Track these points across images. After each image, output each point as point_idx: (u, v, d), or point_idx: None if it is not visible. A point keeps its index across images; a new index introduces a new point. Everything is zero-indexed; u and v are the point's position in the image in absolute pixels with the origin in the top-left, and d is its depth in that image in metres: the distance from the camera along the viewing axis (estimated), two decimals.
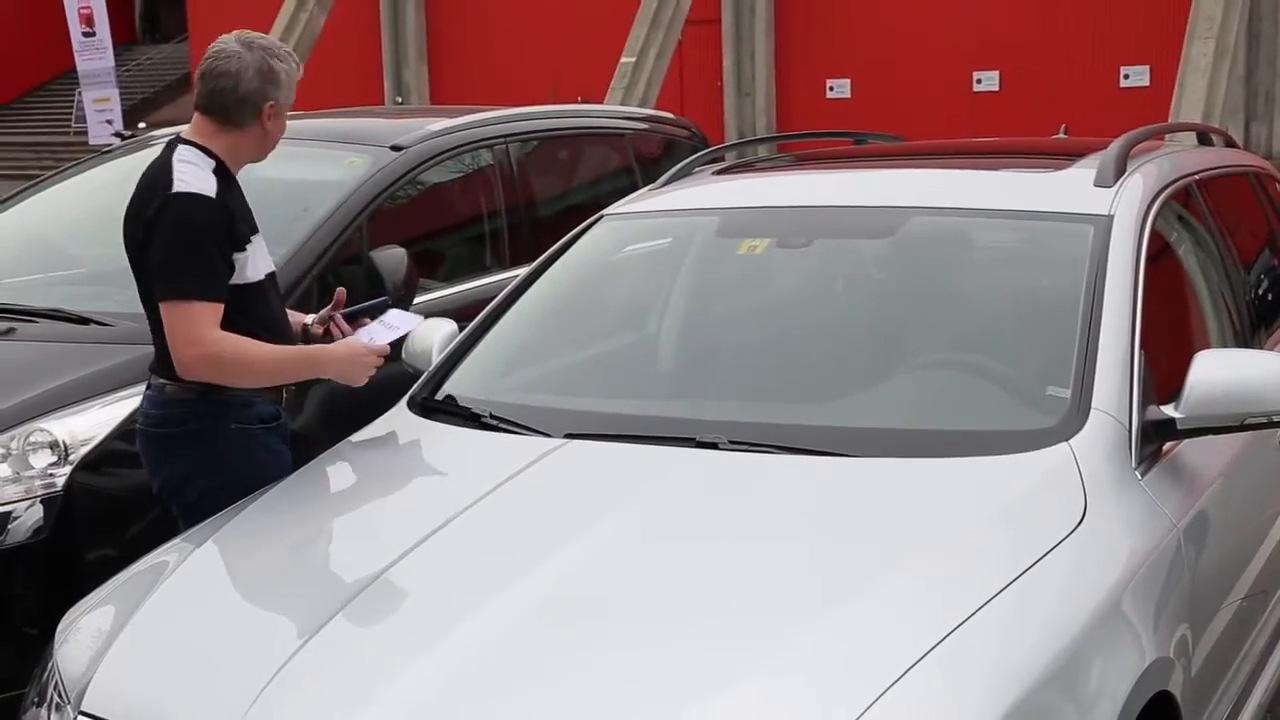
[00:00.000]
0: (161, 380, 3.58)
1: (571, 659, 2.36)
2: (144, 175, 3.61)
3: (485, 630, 2.42)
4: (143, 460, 3.71)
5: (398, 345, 3.80)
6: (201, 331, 3.42)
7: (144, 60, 34.02)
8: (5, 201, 5.85)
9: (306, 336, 3.79)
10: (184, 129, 3.69)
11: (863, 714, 2.16)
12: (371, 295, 4.09)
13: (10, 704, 3.01)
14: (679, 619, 2.44)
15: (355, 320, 3.84)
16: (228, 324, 3.48)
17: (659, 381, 3.65)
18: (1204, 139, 4.81)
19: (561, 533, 2.75)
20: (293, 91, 3.65)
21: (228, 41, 3.58)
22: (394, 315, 3.85)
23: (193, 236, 3.45)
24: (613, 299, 4.03)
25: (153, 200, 3.48)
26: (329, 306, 3.89)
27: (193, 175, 3.49)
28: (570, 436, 3.13)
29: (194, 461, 3.56)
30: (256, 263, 3.61)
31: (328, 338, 3.81)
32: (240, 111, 3.54)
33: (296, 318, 3.87)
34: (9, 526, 4.00)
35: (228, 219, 3.52)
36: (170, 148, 3.59)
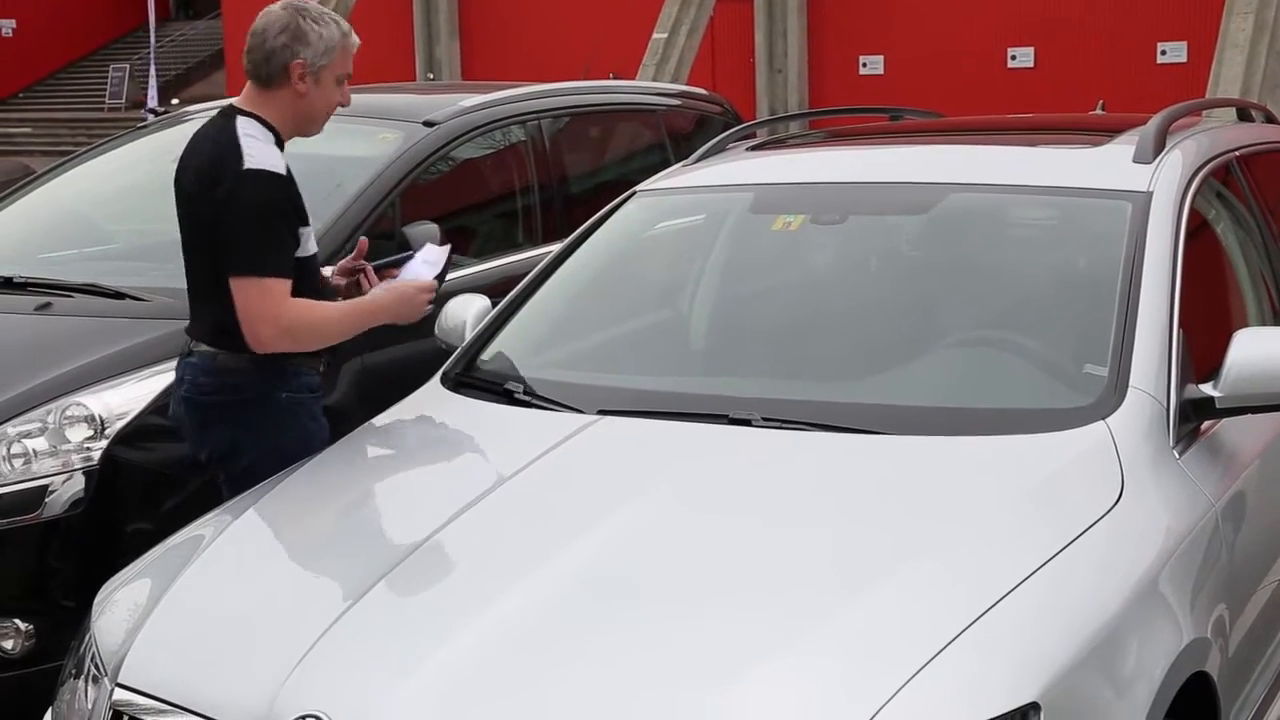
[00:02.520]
0: (212, 349, 3.60)
1: (604, 634, 2.36)
2: (204, 145, 3.61)
3: (519, 606, 2.42)
4: (186, 428, 3.73)
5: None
6: (277, 307, 3.47)
7: (178, 36, 34.15)
8: (41, 177, 5.88)
9: (327, 291, 3.81)
10: (236, 99, 3.71)
11: (896, 693, 2.16)
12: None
13: (49, 675, 3.04)
14: (712, 595, 2.44)
15: (384, 272, 3.85)
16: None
17: (692, 358, 3.65)
18: (1244, 115, 4.76)
19: (594, 509, 2.75)
20: (336, 58, 3.61)
21: (272, 6, 3.61)
22: (427, 251, 3.86)
23: (266, 214, 3.48)
24: (645, 275, 4.02)
25: (223, 176, 3.49)
26: (349, 256, 3.90)
27: (260, 151, 3.52)
28: (603, 413, 3.12)
29: (246, 429, 3.58)
30: (309, 236, 3.66)
31: (355, 290, 3.82)
32: (269, 68, 3.56)
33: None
34: (46, 500, 4.03)
35: (295, 195, 3.57)
36: (227, 117, 3.60)
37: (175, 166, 3.74)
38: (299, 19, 3.55)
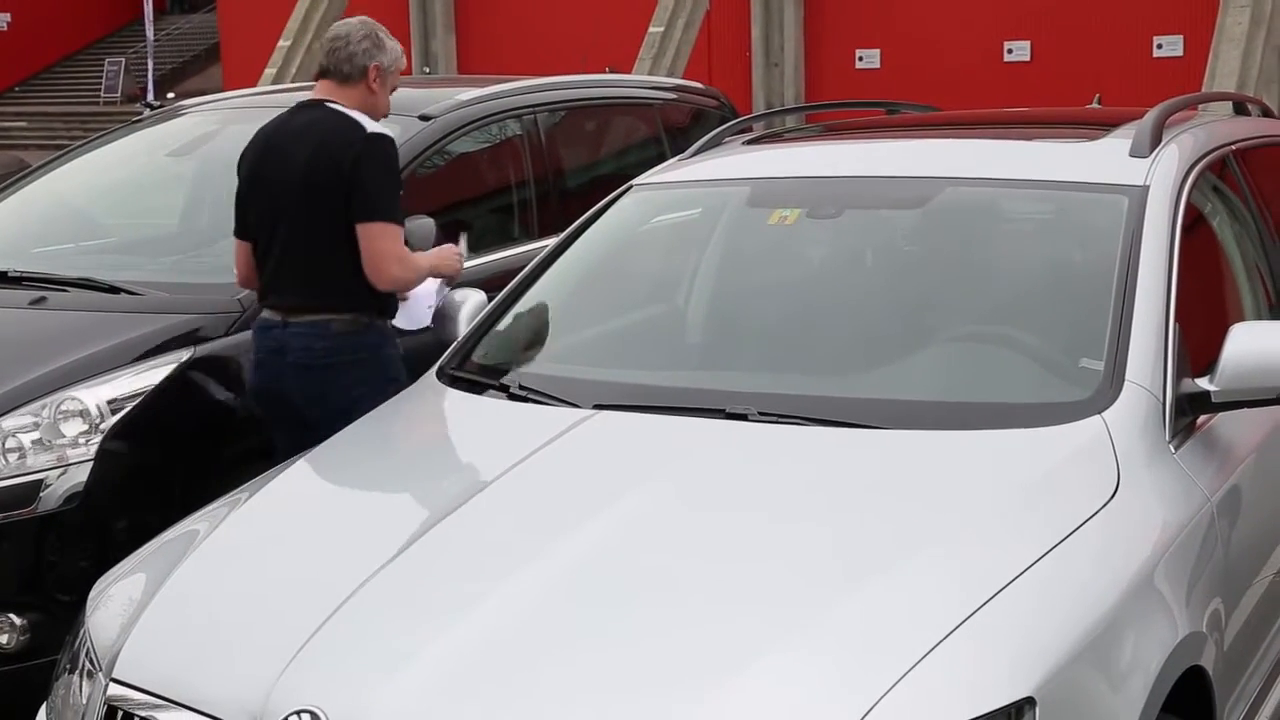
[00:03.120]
0: (325, 316, 4.02)
1: (600, 629, 2.36)
2: (311, 128, 4.10)
3: (514, 601, 2.42)
4: (293, 392, 3.99)
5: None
6: (402, 249, 4.07)
7: (173, 30, 34.08)
8: (36, 171, 5.87)
9: None
10: (312, 94, 4.23)
11: (892, 687, 2.15)
12: None
13: (44, 670, 3.03)
14: (708, 590, 2.43)
15: None
16: None
17: (688, 352, 3.64)
18: (1240, 109, 4.76)
19: (590, 503, 2.75)
20: (398, 72, 4.28)
21: (349, 19, 4.28)
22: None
23: (392, 168, 4.11)
24: (642, 270, 4.02)
25: (351, 141, 4.03)
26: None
27: (368, 121, 4.11)
28: (599, 407, 3.12)
29: (363, 385, 3.92)
30: None
31: None
32: (350, 66, 4.15)
33: None
34: (41, 494, 4.03)
35: None
36: (315, 106, 4.16)
37: (251, 156, 4.22)
38: (377, 31, 4.23)
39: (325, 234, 4.02)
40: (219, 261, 5.04)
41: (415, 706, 2.24)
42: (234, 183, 4.67)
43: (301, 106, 4.21)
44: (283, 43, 20.16)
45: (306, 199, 4.02)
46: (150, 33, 28.26)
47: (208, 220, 5.52)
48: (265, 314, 4.16)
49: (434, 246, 4.32)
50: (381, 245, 3.99)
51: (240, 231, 4.30)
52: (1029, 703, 2.18)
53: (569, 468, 2.96)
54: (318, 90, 4.21)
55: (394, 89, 4.29)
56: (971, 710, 2.14)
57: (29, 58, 33.24)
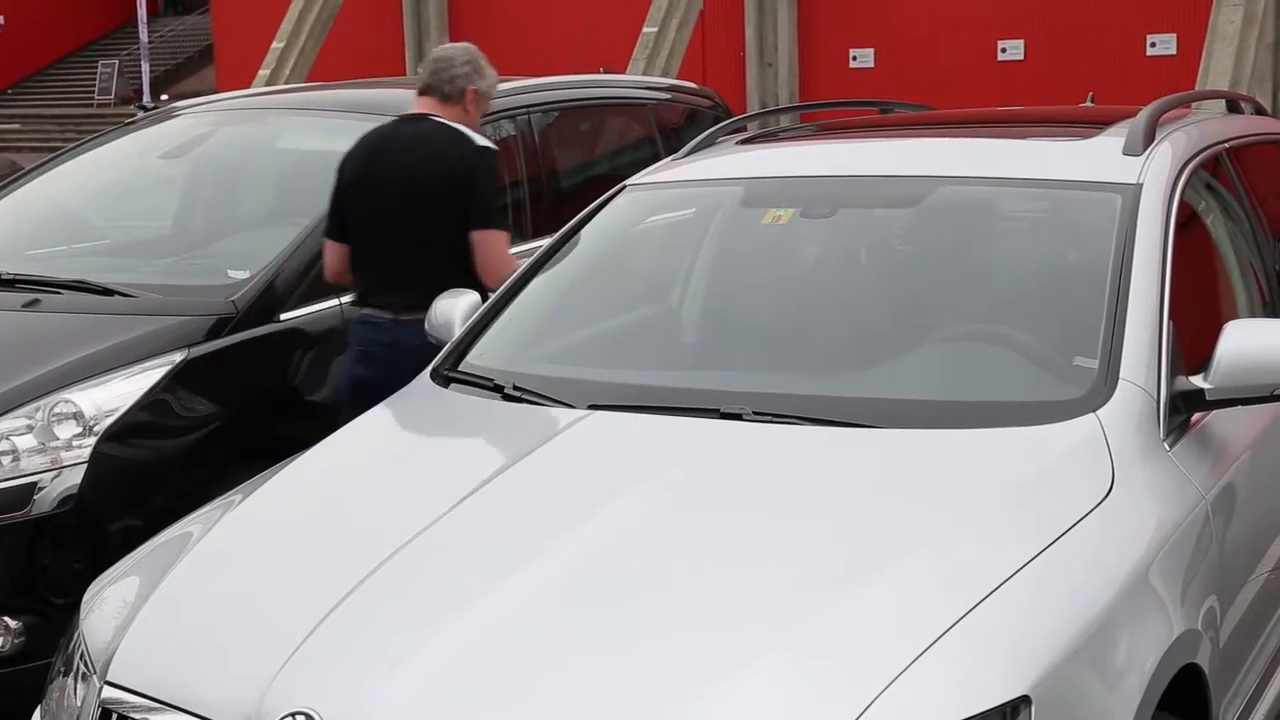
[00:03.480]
0: (422, 311, 4.03)
1: (595, 630, 2.35)
2: (423, 141, 4.52)
3: (509, 602, 2.42)
4: (398, 385, 3.91)
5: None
6: (508, 251, 4.50)
7: (166, 32, 34.06)
8: (29, 173, 5.86)
9: None
10: (415, 109, 4.66)
11: (887, 687, 2.15)
12: None
13: (38, 673, 3.03)
14: (704, 590, 2.43)
15: None
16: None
17: (682, 352, 3.64)
18: (1234, 107, 4.76)
19: (586, 504, 2.75)
20: (491, 97, 4.77)
21: (453, 43, 4.83)
22: None
23: (496, 180, 4.57)
24: (635, 270, 4.02)
25: (465, 154, 4.49)
26: None
27: (475, 134, 4.57)
28: (594, 407, 3.11)
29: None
30: None
31: None
32: (452, 87, 4.61)
33: None
34: (35, 497, 4.02)
35: None
36: (422, 119, 4.60)
37: (358, 163, 4.59)
38: (478, 59, 4.70)
39: (435, 237, 4.39)
40: (213, 264, 5.05)
41: (411, 708, 2.24)
42: (228, 184, 4.65)
43: (406, 119, 4.64)
44: (276, 44, 20.13)
45: (418, 205, 4.36)
46: (144, 35, 28.23)
47: (201, 222, 5.52)
48: (370, 311, 4.47)
49: None
50: (498, 248, 4.45)
51: (334, 233, 4.60)
52: (1024, 701, 2.17)
53: (564, 468, 2.96)
54: (420, 105, 4.65)
55: (485, 111, 4.76)
56: (966, 709, 2.14)
57: (22, 60, 33.21)
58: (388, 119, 5.29)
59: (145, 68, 24.66)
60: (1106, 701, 2.33)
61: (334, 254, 4.58)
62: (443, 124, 4.56)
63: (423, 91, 4.67)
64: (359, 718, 2.25)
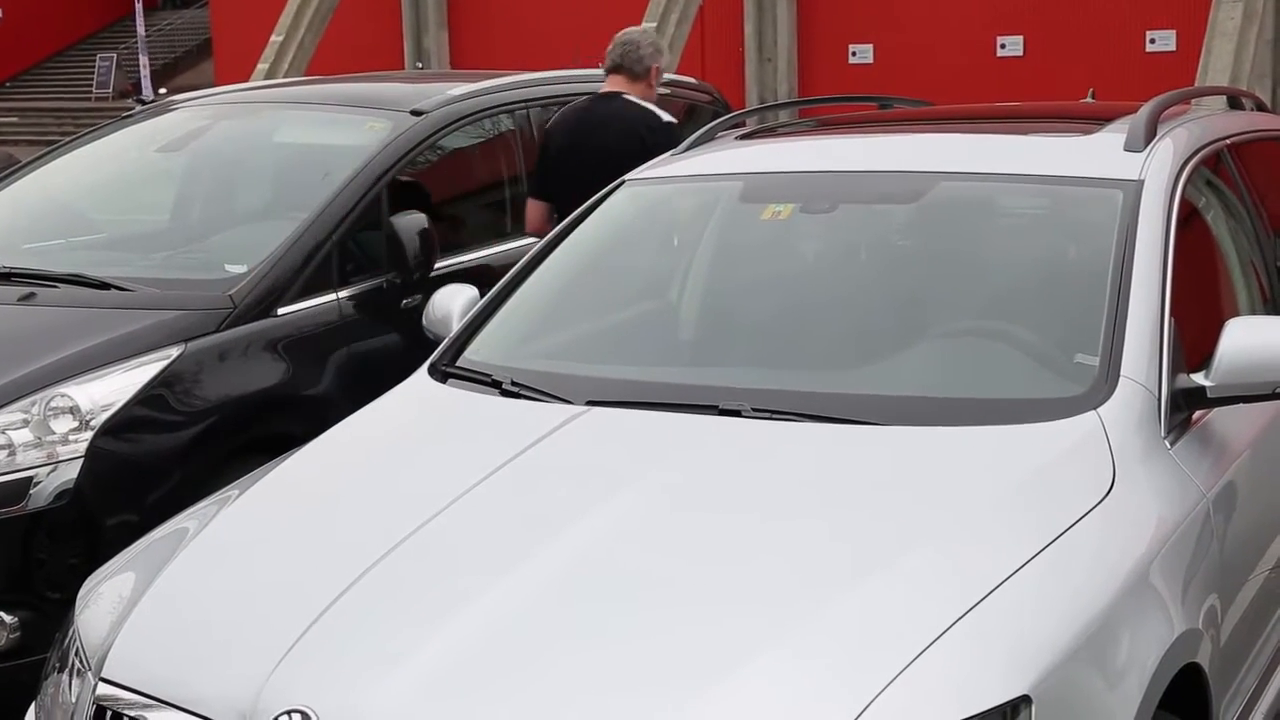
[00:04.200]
0: None
1: (592, 628, 2.34)
2: (617, 116, 5.36)
3: (506, 600, 2.40)
4: None
5: None
6: None
7: (164, 25, 34.02)
8: (26, 166, 5.84)
9: None
10: (606, 88, 5.50)
11: (887, 686, 2.14)
12: (392, 260, 4.05)
13: (33, 668, 3.01)
14: (702, 588, 2.42)
15: None
16: None
17: (681, 349, 3.62)
18: (1235, 103, 4.75)
19: (583, 501, 2.73)
20: (664, 73, 5.60)
21: (634, 27, 5.61)
22: None
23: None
24: (634, 265, 4.00)
25: (654, 127, 5.29)
26: None
27: (661, 111, 5.37)
28: (592, 404, 3.10)
29: None
30: None
31: None
32: (640, 66, 5.47)
33: None
34: (31, 491, 4.00)
35: None
36: (613, 97, 5.45)
37: (563, 133, 5.41)
38: (657, 39, 5.60)
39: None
40: (210, 257, 5.03)
41: (407, 706, 2.23)
42: (225, 178, 4.62)
43: (600, 97, 5.47)
44: (275, 38, 20.08)
45: (612, 171, 4.44)
46: (141, 28, 28.18)
47: (199, 216, 5.50)
48: None
49: (423, 244, 4.31)
50: None
51: (538, 193, 5.41)
52: (1024, 701, 2.16)
53: (561, 465, 2.94)
54: (610, 84, 5.49)
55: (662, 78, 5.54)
56: (966, 709, 2.13)
57: (20, 53, 33.16)
58: (388, 113, 5.30)
59: (143, 61, 24.63)
60: (1107, 701, 2.32)
61: (537, 211, 5.37)
62: (633, 101, 5.39)
63: (611, 70, 5.50)
64: (355, 715, 2.24)
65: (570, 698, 2.19)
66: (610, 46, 5.55)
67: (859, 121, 4.90)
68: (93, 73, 31.48)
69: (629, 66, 5.47)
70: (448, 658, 2.29)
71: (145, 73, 23.38)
